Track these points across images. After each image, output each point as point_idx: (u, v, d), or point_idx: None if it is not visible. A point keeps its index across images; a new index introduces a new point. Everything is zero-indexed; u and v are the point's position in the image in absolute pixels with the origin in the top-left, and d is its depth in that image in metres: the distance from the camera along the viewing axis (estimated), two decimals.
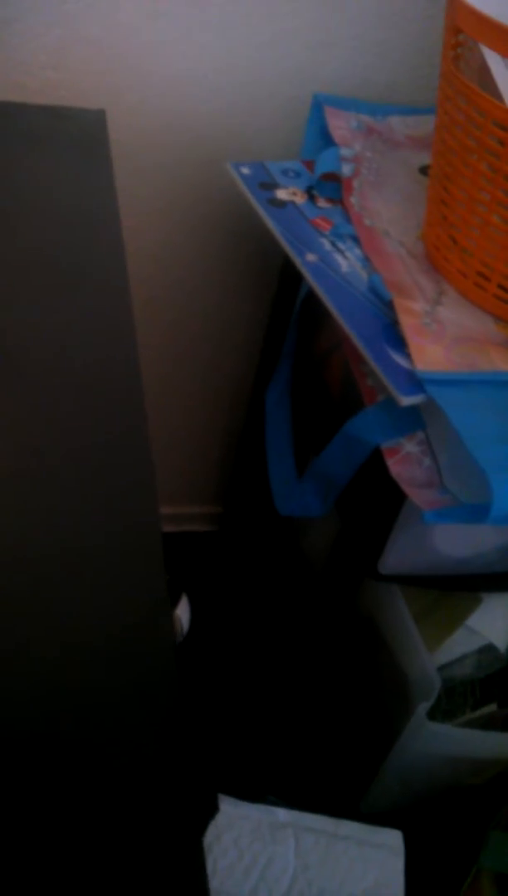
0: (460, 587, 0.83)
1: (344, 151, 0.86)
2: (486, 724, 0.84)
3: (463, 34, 0.66)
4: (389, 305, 0.70)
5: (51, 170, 0.69)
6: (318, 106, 0.92)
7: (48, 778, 0.36)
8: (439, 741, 0.79)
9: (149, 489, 0.45)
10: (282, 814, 0.72)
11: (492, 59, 0.67)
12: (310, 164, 0.89)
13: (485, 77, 0.68)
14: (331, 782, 0.93)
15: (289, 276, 0.95)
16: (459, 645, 0.83)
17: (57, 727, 0.37)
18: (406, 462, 0.67)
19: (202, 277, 1.07)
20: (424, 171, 0.87)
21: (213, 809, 0.70)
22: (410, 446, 0.67)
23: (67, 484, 0.45)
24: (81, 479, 0.46)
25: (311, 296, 0.89)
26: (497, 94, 0.66)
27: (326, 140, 0.91)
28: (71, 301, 0.58)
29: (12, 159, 0.69)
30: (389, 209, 0.82)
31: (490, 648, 0.85)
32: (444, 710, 0.83)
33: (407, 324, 0.67)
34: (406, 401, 0.63)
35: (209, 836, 0.68)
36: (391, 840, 0.74)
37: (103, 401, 0.52)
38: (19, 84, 0.90)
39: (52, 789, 0.35)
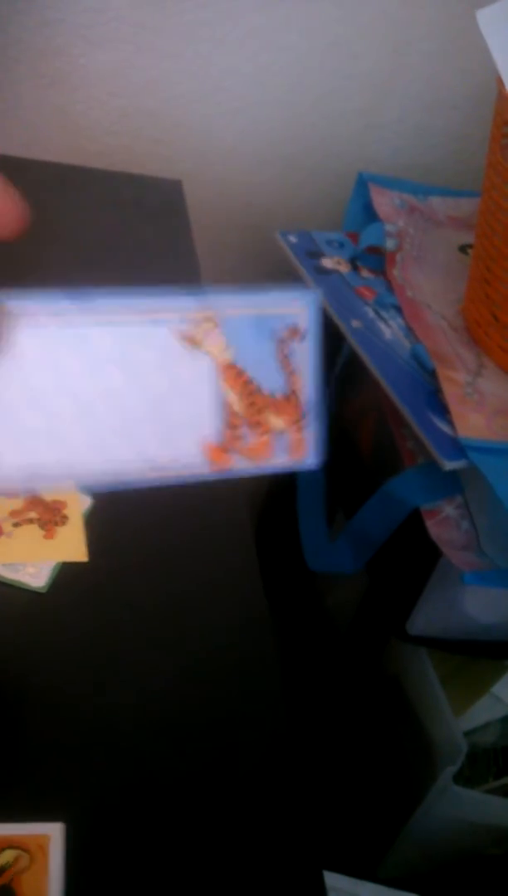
0: (487, 654, 0.84)
1: (388, 227, 0.90)
2: (506, 793, 0.84)
3: None
4: (431, 374, 0.73)
5: (135, 236, 0.72)
6: (362, 183, 0.97)
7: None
8: (463, 806, 0.79)
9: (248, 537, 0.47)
10: None
11: None
12: (352, 236, 0.94)
13: None
14: (350, 844, 0.92)
15: (327, 340, 0.99)
16: (483, 712, 0.84)
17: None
18: (445, 524, 0.69)
19: None
20: (464, 249, 0.91)
21: None
22: (449, 509, 0.69)
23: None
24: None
25: (348, 360, 0.92)
26: None
27: (368, 215, 0.95)
28: None
29: (95, 224, 0.73)
30: (430, 283, 0.86)
31: None
32: (466, 777, 0.83)
33: (450, 392, 0.70)
34: (449, 465, 0.65)
35: None
36: None
37: None
38: (80, 147, 0.95)
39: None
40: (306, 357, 0.29)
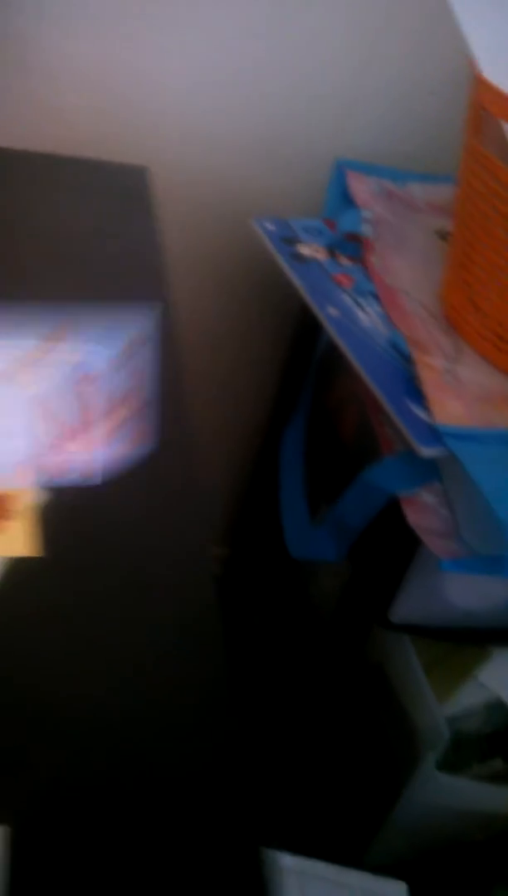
0: (470, 640, 0.84)
1: (366, 213, 0.90)
2: (493, 778, 0.84)
3: (486, 111, 0.70)
4: (409, 361, 0.73)
5: (96, 222, 0.72)
6: (340, 169, 0.96)
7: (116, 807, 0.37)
8: (446, 792, 0.79)
9: (205, 537, 0.47)
10: (287, 860, 0.72)
11: None
12: (331, 223, 0.93)
13: (506, 151, 0.72)
14: (336, 832, 0.93)
15: (306, 329, 0.99)
16: (467, 698, 0.84)
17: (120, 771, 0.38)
18: (424, 512, 0.69)
19: (225, 325, 1.10)
20: (442, 235, 0.91)
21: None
22: (427, 496, 0.69)
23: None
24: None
25: (328, 348, 0.92)
26: None
27: (346, 201, 0.95)
28: None
29: (62, 211, 0.72)
30: (408, 270, 0.85)
31: (498, 704, 0.85)
32: (451, 763, 0.83)
33: (427, 379, 0.70)
34: (426, 452, 0.65)
35: None
36: (396, 892, 0.73)
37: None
38: (57, 136, 0.94)
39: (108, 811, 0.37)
40: (146, 361, 0.36)
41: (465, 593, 0.78)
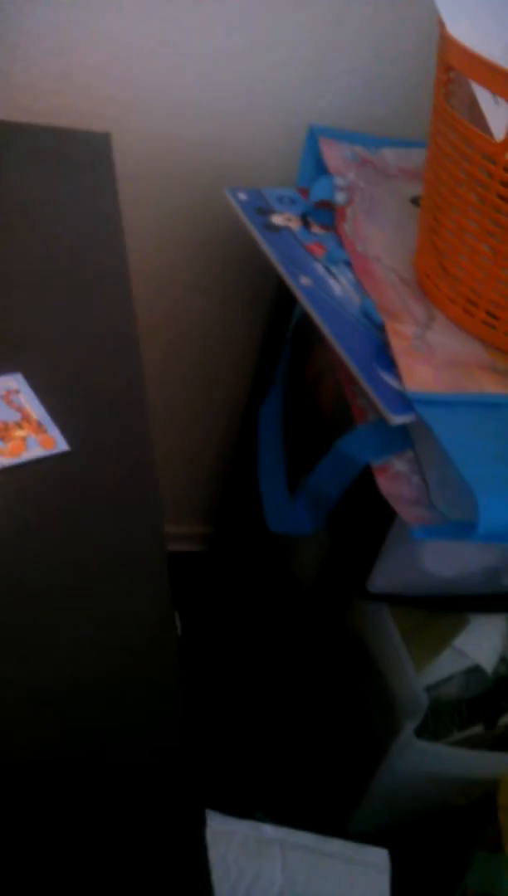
0: (447, 608, 0.84)
1: (338, 180, 0.88)
2: (473, 744, 0.85)
3: (455, 71, 0.69)
4: (380, 329, 0.72)
5: (57, 190, 0.71)
6: (313, 136, 0.94)
7: (62, 792, 0.37)
8: (426, 759, 0.79)
9: (155, 509, 0.47)
10: (270, 830, 0.72)
11: (481, 94, 0.70)
12: (305, 192, 0.92)
13: (475, 111, 0.70)
14: (319, 801, 0.93)
15: (283, 299, 0.98)
16: (446, 665, 0.84)
17: (66, 742, 0.38)
18: (396, 480, 0.68)
19: (199, 299, 1.09)
20: (415, 201, 0.89)
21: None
22: (399, 464, 0.69)
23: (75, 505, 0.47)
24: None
25: (304, 319, 0.91)
26: (485, 128, 0.69)
27: (320, 169, 0.93)
28: (75, 320, 0.60)
29: (20, 178, 0.71)
30: (381, 237, 0.84)
31: (476, 670, 0.86)
32: (431, 730, 0.83)
33: (398, 346, 0.69)
34: (396, 420, 0.65)
35: None
36: (378, 858, 0.74)
37: (107, 414, 0.53)
38: (24, 107, 0.92)
39: (61, 801, 0.36)
40: (27, 397, 0.50)
41: (441, 561, 0.78)
